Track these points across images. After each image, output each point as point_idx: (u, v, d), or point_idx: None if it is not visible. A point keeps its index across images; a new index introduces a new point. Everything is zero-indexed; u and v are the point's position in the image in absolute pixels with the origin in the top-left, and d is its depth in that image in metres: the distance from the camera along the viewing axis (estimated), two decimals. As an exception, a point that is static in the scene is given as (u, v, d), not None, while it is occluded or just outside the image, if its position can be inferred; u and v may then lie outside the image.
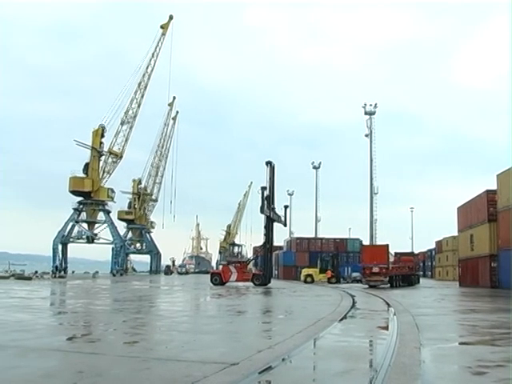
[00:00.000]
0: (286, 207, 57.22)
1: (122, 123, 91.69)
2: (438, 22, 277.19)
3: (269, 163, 49.83)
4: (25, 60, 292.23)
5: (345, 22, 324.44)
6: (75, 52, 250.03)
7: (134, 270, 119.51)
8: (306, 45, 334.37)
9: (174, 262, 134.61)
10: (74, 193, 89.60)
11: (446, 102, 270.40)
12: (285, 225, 56.80)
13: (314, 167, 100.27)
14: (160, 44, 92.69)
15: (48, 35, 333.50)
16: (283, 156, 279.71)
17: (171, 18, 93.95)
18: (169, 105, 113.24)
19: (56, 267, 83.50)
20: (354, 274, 59.99)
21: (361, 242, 77.94)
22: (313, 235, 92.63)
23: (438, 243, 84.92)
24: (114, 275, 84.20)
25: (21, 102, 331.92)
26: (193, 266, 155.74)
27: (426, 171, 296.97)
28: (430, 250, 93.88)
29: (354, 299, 28.47)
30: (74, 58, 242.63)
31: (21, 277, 56.26)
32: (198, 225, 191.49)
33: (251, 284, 46.74)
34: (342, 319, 17.47)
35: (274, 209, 50.32)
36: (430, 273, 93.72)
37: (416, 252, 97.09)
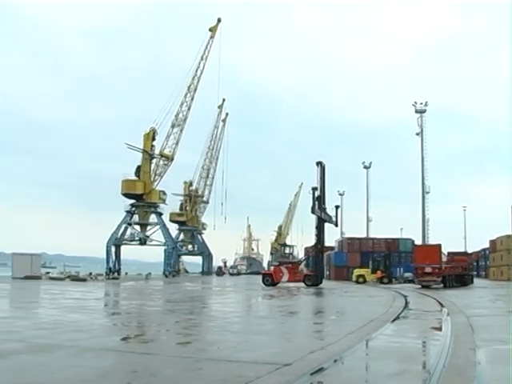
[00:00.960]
0: (337, 207, 56.94)
1: (173, 126, 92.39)
2: (489, 16, 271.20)
3: (319, 163, 49.66)
4: (74, 65, 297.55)
5: (391, 18, 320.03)
6: (123, 57, 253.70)
7: (186, 271, 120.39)
8: (352, 43, 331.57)
9: (225, 263, 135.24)
10: (127, 195, 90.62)
11: (498, 99, 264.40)
12: (336, 225, 56.53)
13: (365, 167, 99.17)
14: (209, 47, 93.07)
15: (95, 40, 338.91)
16: (333, 156, 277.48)
17: (219, 20, 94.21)
18: (218, 107, 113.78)
19: (109, 269, 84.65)
20: (406, 275, 59.20)
21: (413, 241, 76.74)
22: (364, 235, 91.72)
23: (492, 242, 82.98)
24: (166, 276, 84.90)
25: (73, 106, 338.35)
26: (244, 267, 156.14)
27: (479, 170, 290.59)
28: (484, 250, 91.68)
29: (406, 299, 28.13)
30: (122, 63, 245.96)
31: (76, 278, 57.19)
32: (249, 226, 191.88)
33: (303, 285, 46.56)
34: (394, 320, 17.28)
35: (325, 209, 50.11)
36: (483, 273, 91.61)
37: (469, 251, 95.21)
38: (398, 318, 18.08)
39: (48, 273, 62.56)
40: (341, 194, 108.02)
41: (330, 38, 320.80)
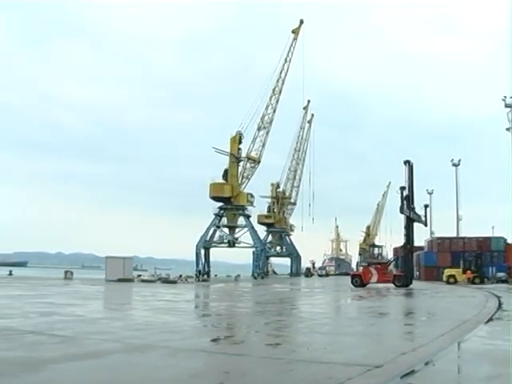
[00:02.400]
0: (426, 206, 55.92)
1: (259, 129, 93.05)
2: None
3: (407, 162, 48.87)
4: (163, 73, 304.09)
5: (476, 11, 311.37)
6: (208, 63, 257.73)
7: (275, 272, 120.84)
8: (435, 39, 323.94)
9: (313, 264, 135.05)
10: (215, 198, 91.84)
11: None
12: (425, 224, 55.52)
13: (454, 164, 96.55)
14: (292, 49, 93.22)
15: (182, 48, 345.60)
16: (420, 154, 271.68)
17: (302, 22, 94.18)
18: (303, 108, 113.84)
19: (199, 271, 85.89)
20: (499, 274, 57.59)
21: (505, 240, 74.26)
22: (454, 234, 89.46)
23: None
24: (255, 278, 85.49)
25: (162, 113, 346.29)
26: (333, 268, 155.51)
27: None
28: None
29: (500, 300, 27.23)
30: (207, 69, 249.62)
31: (166, 280, 58.25)
32: (337, 227, 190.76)
33: (392, 285, 45.90)
34: (488, 321, 16.79)
35: (413, 208, 49.26)
36: None
37: None
38: (491, 319, 17.55)
39: (140, 275, 64.08)
40: (430, 193, 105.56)
41: (411, 35, 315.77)
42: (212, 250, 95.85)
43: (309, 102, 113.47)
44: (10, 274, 68.61)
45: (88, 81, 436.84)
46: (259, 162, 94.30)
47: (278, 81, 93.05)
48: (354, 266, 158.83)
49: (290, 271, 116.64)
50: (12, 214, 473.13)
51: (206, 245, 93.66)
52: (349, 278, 51.21)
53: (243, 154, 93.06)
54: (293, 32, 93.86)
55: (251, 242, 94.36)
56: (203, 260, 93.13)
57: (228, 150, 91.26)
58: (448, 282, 57.39)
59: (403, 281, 46.41)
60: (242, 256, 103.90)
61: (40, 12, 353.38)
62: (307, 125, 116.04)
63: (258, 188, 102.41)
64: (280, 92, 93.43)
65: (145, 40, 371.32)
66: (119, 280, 52.17)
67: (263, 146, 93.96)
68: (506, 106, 73.74)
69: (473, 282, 54.41)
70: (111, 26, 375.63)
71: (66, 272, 60.02)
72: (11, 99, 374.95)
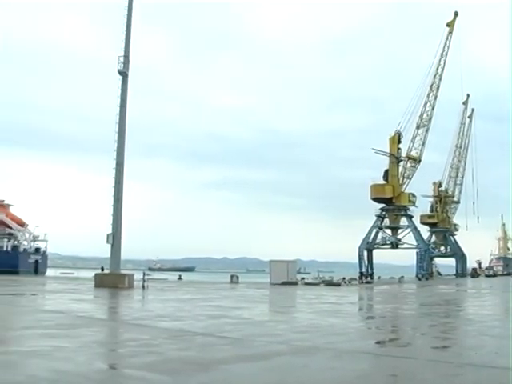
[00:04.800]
0: None
1: (418, 127, 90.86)
2: None
3: None
4: (315, 75, 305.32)
5: None
6: (359, 63, 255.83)
7: (439, 273, 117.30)
8: None
9: (480, 264, 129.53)
10: (376, 200, 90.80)
11: None
12: None
13: None
14: (448, 42, 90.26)
15: (328, 49, 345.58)
16: None
17: (456, 14, 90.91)
18: (463, 103, 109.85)
19: (362, 273, 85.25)
20: None
21: None
22: None
23: None
24: (419, 279, 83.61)
25: (317, 116, 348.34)
26: (500, 268, 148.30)
27: None
28: None
29: None
30: (358, 69, 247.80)
31: (330, 283, 58.43)
32: (503, 225, 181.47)
33: None
34: None
35: None
36: None
37: None
38: None
39: (303, 278, 64.71)
40: None
41: None
42: (375, 252, 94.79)
43: (468, 96, 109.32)
44: (180, 278, 72.14)
45: (243, 89, 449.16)
46: (419, 160, 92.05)
47: (434, 77, 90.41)
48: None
49: (455, 272, 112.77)
50: (179, 221, 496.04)
51: (368, 246, 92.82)
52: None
53: (403, 154, 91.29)
54: (447, 25, 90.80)
55: (414, 243, 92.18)
56: (366, 262, 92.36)
57: (387, 151, 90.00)
58: None
59: None
60: (405, 257, 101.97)
61: (196, 25, 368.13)
62: (467, 120, 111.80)
63: (420, 187, 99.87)
64: (438, 88, 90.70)
65: (295, 45, 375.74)
66: (283, 283, 53.03)
67: (423, 144, 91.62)
68: None
69: None
70: (263, 34, 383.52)
71: (231, 276, 62.00)
72: (174, 111, 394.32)
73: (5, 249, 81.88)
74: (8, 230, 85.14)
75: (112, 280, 39.65)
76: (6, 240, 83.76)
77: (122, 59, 42.97)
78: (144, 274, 41.83)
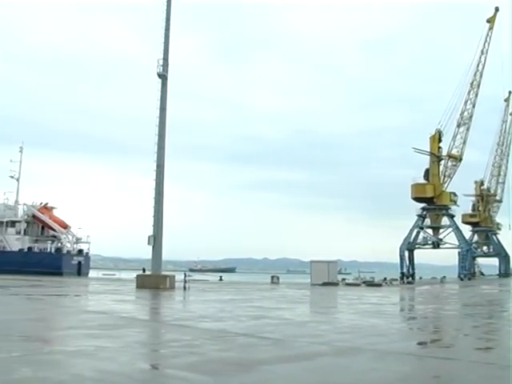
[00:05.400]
0: None
1: (459, 125, 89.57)
2: None
3: None
4: (351, 75, 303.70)
5: None
6: (394, 62, 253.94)
7: (482, 273, 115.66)
8: None
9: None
10: (417, 199, 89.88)
11: None
12: None
13: None
14: (488, 39, 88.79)
15: (369, 49, 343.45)
16: None
17: (497, 9, 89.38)
18: (505, 100, 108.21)
19: (403, 273, 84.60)
20: None
21: None
22: None
23: None
24: (461, 279, 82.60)
25: (353, 116, 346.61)
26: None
27: None
28: None
29: None
30: (394, 68, 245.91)
31: (371, 283, 58.17)
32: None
33: None
34: None
35: None
36: None
37: None
38: None
39: (344, 279, 64.49)
40: None
41: None
42: (416, 252, 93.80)
43: (510, 93, 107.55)
44: (221, 279, 72.47)
45: (280, 90, 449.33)
46: (461, 159, 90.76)
47: (475, 74, 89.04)
48: None
49: (498, 272, 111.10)
50: (219, 222, 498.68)
51: (409, 247, 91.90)
52: None
53: (444, 153, 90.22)
54: (488, 21, 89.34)
55: (456, 243, 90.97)
56: (407, 262, 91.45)
57: (428, 150, 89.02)
58: None
59: None
60: (447, 257, 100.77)
61: (233, 26, 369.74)
62: (509, 117, 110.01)
63: (461, 186, 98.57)
64: (478, 85, 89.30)
65: (332, 44, 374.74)
66: (324, 284, 52.94)
67: (464, 142, 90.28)
68: None
69: None
70: (300, 34, 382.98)
71: (272, 277, 62.14)
72: (212, 113, 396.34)
73: (49, 251, 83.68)
74: (52, 233, 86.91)
75: (153, 281, 40.06)
76: (49, 242, 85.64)
77: (161, 62, 43.40)
78: (185, 275, 42.08)
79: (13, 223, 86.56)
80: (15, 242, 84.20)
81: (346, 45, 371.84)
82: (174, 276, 41.95)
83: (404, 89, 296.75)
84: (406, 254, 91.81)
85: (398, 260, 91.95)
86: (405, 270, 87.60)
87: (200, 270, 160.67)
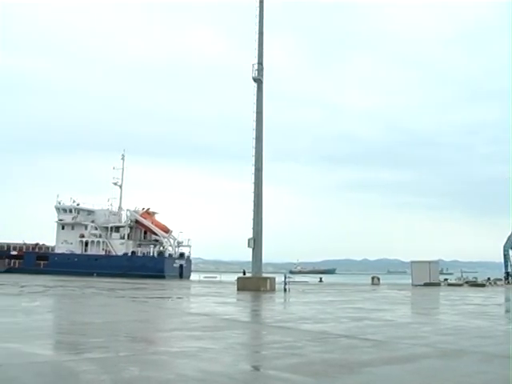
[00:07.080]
0: None
1: None
2: None
3: None
4: (444, 70, 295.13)
5: None
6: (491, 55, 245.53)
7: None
8: None
9: None
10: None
11: None
12: None
13: None
14: None
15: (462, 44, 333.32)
16: None
17: None
18: None
19: (508, 273, 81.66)
20: None
21: None
22: None
23: None
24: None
25: (450, 112, 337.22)
26: None
27: None
28: None
29: None
30: (491, 62, 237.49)
31: (474, 284, 56.73)
32: None
33: None
34: None
35: None
36: None
37: None
38: None
39: (446, 279, 63.11)
40: None
41: None
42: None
43: None
44: (321, 280, 72.30)
45: (373, 89, 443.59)
46: None
47: None
48: None
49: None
50: (317, 223, 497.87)
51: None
52: None
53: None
54: None
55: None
56: (511, 261, 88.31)
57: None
58: None
59: None
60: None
61: (323, 27, 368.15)
62: None
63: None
64: None
65: (425, 40, 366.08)
66: (425, 284, 52.03)
67: None
68: None
69: None
70: (391, 32, 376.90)
71: (372, 278, 61.59)
72: (306, 114, 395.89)
73: (151, 254, 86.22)
74: (154, 237, 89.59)
75: (254, 283, 40.48)
76: (152, 246, 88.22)
77: (256, 66, 43.84)
78: (285, 277, 42.31)
79: (117, 228, 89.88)
80: (120, 247, 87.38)
81: (439, 40, 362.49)
82: (274, 278, 42.24)
83: (502, 82, 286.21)
84: (511, 253, 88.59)
85: (502, 259, 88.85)
86: (509, 270, 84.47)
87: (300, 272, 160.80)
